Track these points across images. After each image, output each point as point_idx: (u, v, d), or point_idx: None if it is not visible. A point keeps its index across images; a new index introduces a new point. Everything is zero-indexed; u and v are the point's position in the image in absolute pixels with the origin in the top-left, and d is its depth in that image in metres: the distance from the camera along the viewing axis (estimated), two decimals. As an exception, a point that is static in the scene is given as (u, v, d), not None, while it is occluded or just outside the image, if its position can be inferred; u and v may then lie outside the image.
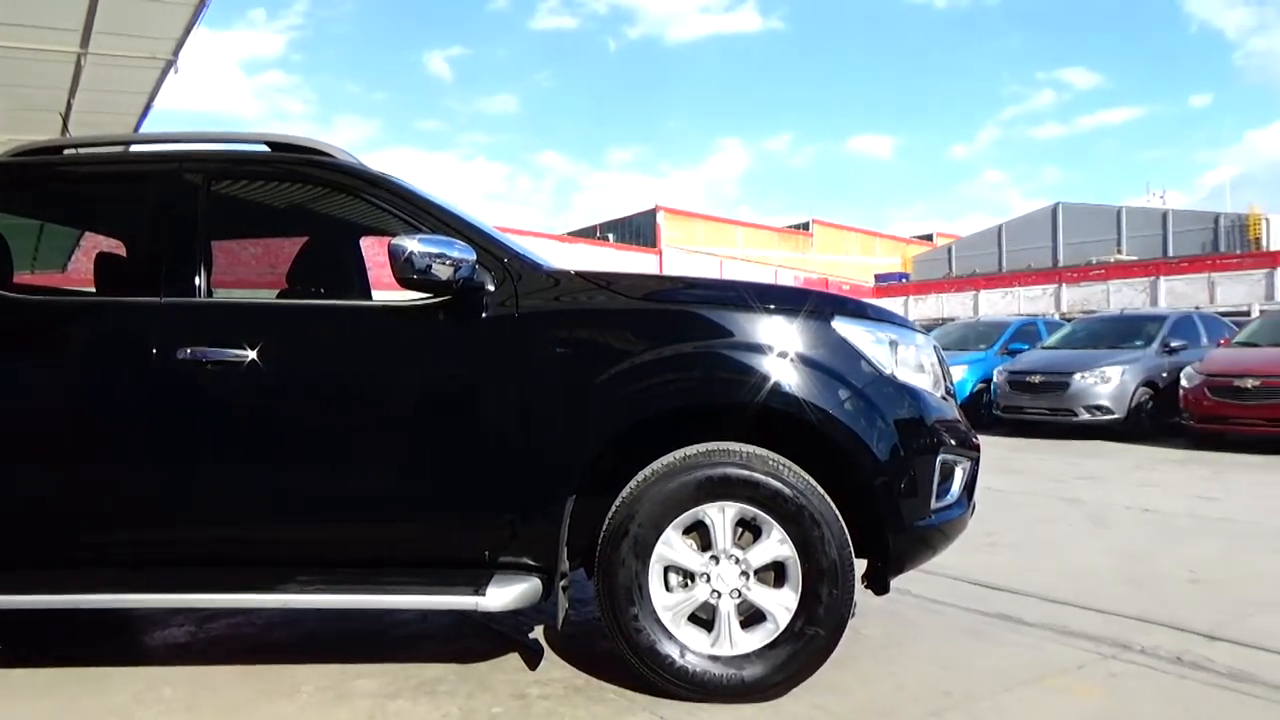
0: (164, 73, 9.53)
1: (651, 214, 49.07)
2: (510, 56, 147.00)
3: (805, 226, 54.71)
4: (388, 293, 3.30)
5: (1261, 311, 17.25)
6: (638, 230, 49.22)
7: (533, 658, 3.26)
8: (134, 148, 3.54)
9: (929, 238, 56.80)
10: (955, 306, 28.16)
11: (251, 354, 2.85)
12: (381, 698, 2.89)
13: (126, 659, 3.31)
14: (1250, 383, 9.40)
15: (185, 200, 3.07)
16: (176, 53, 9.08)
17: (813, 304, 2.93)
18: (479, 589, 2.72)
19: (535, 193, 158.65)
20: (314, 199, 3.47)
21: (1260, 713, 2.75)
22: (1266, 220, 36.15)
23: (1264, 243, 34.41)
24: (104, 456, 2.92)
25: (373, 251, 3.98)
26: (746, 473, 2.76)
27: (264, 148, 3.24)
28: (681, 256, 43.74)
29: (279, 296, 3.49)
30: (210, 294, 3.05)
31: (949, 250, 46.54)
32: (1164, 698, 2.86)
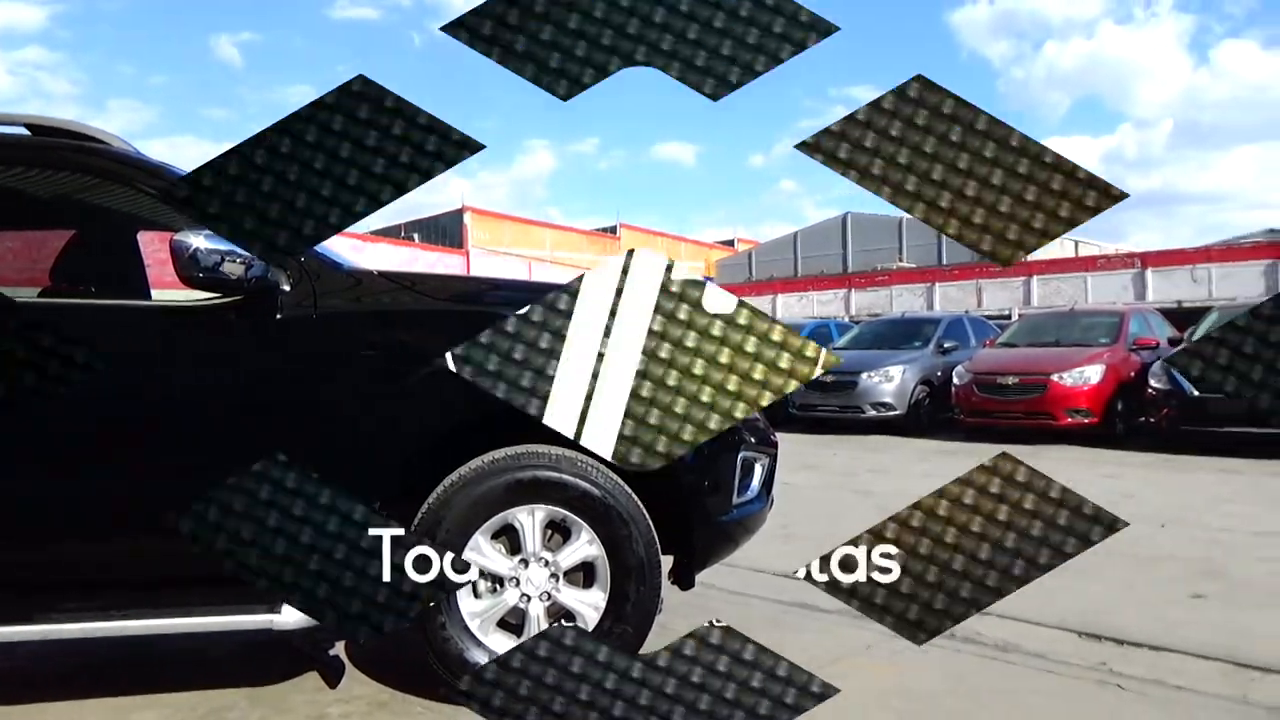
0: (-103, 41, 8.46)
1: (458, 214, 48.18)
2: (307, 45, 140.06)
3: (613, 230, 55.45)
4: (171, 292, 3.07)
5: (1020, 315, 19.15)
6: (444, 230, 48.21)
7: (333, 675, 3.12)
8: None
9: (731, 243, 58.95)
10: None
11: (6, 359, 2.56)
12: (164, 729, 2.69)
13: None
14: (1011, 380, 10.39)
15: (-77, 186, 2.73)
16: (-87, 20, 8.08)
17: (620, 306, 2.97)
18: (273, 606, 2.58)
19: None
20: (83, 189, 3.17)
21: (1021, 678, 3.05)
22: (1024, 233, 40.06)
23: (1022, 253, 38.13)
24: None
25: (153, 248, 3.69)
26: (555, 475, 2.76)
27: (23, 130, 2.94)
28: (489, 258, 43.26)
29: (41, 295, 3.17)
30: (-45, 292, 2.73)
31: (749, 256, 48.49)
32: (942, 670, 3.11)
